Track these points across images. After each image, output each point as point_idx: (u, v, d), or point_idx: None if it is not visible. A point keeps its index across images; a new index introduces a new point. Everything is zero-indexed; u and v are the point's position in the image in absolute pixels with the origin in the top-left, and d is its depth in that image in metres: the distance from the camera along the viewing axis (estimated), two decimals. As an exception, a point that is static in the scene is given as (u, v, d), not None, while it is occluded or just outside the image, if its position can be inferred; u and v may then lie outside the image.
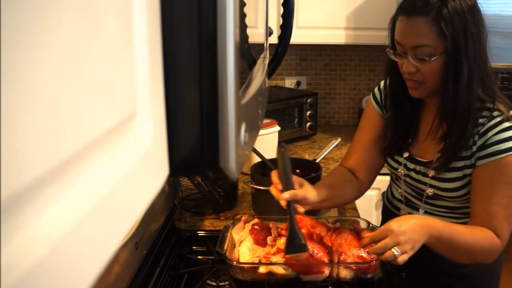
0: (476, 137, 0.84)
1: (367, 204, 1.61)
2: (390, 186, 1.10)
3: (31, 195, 0.17)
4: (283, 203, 0.82)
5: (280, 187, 0.83)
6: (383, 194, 1.15)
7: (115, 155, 0.23)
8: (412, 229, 0.77)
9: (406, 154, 0.96)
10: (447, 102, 0.83)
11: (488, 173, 0.83)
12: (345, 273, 0.84)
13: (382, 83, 1.02)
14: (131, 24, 0.25)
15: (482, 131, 0.83)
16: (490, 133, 0.82)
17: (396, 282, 0.89)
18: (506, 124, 0.82)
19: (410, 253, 0.76)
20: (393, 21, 0.86)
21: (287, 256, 0.82)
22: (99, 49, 0.21)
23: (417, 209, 0.97)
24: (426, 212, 0.95)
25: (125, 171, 0.23)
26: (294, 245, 0.81)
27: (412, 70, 0.83)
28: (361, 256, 0.85)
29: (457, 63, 0.79)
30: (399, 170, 0.98)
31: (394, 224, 0.77)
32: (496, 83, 0.90)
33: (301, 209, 0.84)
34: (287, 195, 0.81)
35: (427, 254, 0.87)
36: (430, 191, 0.92)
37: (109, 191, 0.21)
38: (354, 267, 0.84)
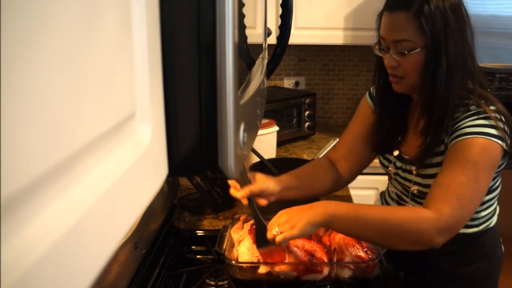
0: (450, 129, 0.83)
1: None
2: (388, 185, 1.11)
3: (31, 194, 0.17)
4: (244, 201, 0.85)
5: (238, 187, 0.85)
6: (381, 193, 1.15)
7: (114, 155, 0.23)
8: (296, 210, 0.78)
9: (396, 153, 0.96)
10: (426, 97, 0.84)
11: (453, 150, 0.81)
12: (343, 273, 0.84)
13: None
14: (131, 24, 0.25)
15: (454, 122, 0.83)
16: (462, 122, 0.82)
17: (394, 281, 0.90)
18: (480, 116, 0.81)
19: (293, 232, 0.75)
20: (380, 17, 0.88)
21: (260, 251, 0.84)
22: (98, 50, 0.21)
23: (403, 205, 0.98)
24: None
25: (124, 171, 0.23)
26: (265, 239, 0.82)
27: (393, 64, 0.84)
28: (360, 255, 0.85)
29: (436, 59, 0.80)
30: (389, 168, 0.99)
31: (280, 211, 0.80)
32: (484, 82, 0.88)
33: (263, 202, 0.86)
34: (243, 193, 0.84)
35: (425, 255, 0.87)
36: (415, 188, 0.92)
37: (108, 190, 0.21)
38: (352, 267, 0.84)
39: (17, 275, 0.15)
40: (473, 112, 0.82)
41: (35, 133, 0.17)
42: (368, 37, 1.76)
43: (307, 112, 1.84)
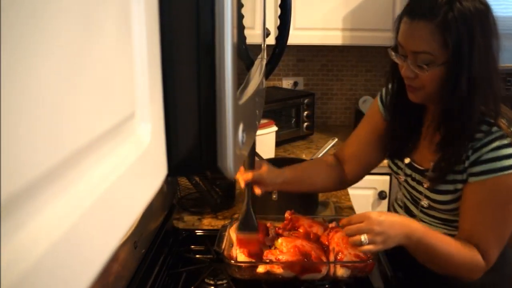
0: (470, 152, 0.79)
1: (364, 203, 1.62)
2: (397, 191, 1.07)
3: (31, 194, 0.17)
4: (241, 185, 0.87)
5: (242, 170, 0.87)
6: (394, 199, 1.12)
7: (114, 155, 0.23)
8: (390, 224, 0.76)
9: (407, 160, 0.92)
10: (447, 116, 0.79)
11: (478, 192, 0.79)
12: (342, 272, 0.84)
13: None
14: (130, 25, 0.25)
15: (476, 146, 0.78)
16: (485, 149, 0.77)
17: (393, 281, 0.90)
18: (503, 142, 0.77)
19: (380, 247, 0.75)
20: (399, 20, 0.81)
21: (239, 235, 0.86)
22: (98, 50, 0.21)
23: (414, 217, 0.94)
24: (422, 221, 0.92)
25: (123, 171, 0.23)
26: (247, 225, 0.85)
27: (410, 75, 0.79)
28: (358, 255, 0.85)
29: (458, 75, 0.75)
30: (399, 175, 0.96)
31: (375, 213, 0.78)
32: (503, 95, 0.81)
33: (258, 191, 0.88)
34: (244, 177, 0.85)
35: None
36: (425, 202, 0.90)
37: (108, 190, 0.22)
38: (351, 266, 0.84)
39: (17, 275, 0.15)
40: (496, 136, 0.78)
41: (35, 133, 0.17)
42: (367, 38, 1.77)
43: (305, 112, 1.84)
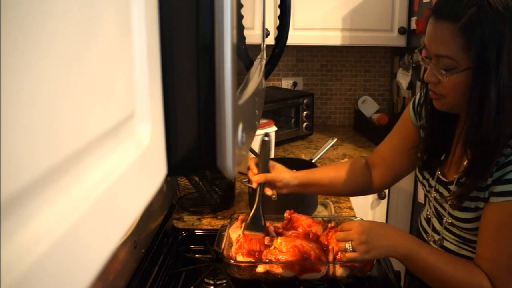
0: (494, 168, 0.72)
1: (363, 204, 1.62)
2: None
3: (31, 194, 0.17)
4: (254, 185, 0.88)
5: (255, 171, 0.88)
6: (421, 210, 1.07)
7: (114, 155, 0.23)
8: (376, 235, 0.75)
9: (438, 172, 0.85)
10: (470, 133, 0.72)
11: (497, 215, 0.72)
12: (341, 272, 0.84)
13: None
14: (130, 26, 0.25)
15: (502, 162, 0.71)
16: (510, 167, 0.70)
17: (392, 280, 0.90)
18: None
19: (364, 256, 0.75)
20: (427, 20, 0.74)
21: (245, 232, 0.88)
22: (98, 50, 0.21)
23: (438, 233, 0.88)
24: (444, 239, 0.87)
25: (123, 171, 0.23)
26: (255, 225, 0.87)
27: (432, 80, 0.74)
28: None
29: (484, 87, 0.67)
30: (425, 186, 0.91)
31: (366, 222, 0.79)
32: None
33: (269, 192, 0.88)
34: (258, 178, 0.87)
35: None
36: (448, 220, 0.83)
37: (107, 190, 0.22)
38: (350, 266, 0.84)
39: (18, 275, 0.15)
40: None
41: (36, 133, 0.17)
42: (366, 38, 1.77)
43: (305, 113, 1.84)
